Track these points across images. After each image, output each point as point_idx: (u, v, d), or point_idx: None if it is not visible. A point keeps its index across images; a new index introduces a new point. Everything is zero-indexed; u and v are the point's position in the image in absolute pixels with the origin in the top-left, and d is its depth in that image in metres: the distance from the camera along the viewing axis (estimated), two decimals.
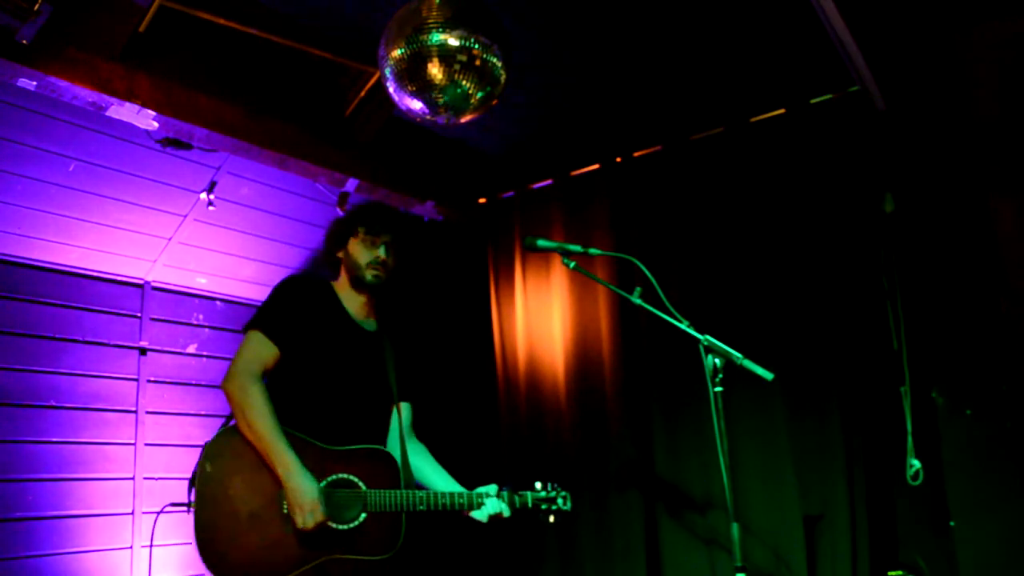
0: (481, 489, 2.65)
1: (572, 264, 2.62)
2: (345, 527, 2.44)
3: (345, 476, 2.49)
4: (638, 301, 2.46)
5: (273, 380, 2.58)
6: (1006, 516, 2.91)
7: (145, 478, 4.05)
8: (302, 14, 3.29)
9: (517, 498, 2.71)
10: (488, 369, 4.37)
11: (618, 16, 3.31)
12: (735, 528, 2.15)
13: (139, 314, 4.14)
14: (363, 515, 2.46)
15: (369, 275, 2.73)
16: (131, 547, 3.95)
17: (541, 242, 2.64)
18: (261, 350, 2.52)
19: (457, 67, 2.61)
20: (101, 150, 3.55)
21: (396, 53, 2.63)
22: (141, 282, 4.16)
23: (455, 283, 4.75)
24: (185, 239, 4.11)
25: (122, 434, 4.00)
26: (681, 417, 3.70)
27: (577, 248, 2.61)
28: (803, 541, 3.29)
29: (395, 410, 2.81)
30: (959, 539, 2.97)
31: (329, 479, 2.46)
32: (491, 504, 2.61)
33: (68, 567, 3.71)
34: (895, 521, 3.23)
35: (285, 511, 2.38)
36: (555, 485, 2.78)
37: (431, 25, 2.58)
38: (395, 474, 2.57)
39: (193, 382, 4.34)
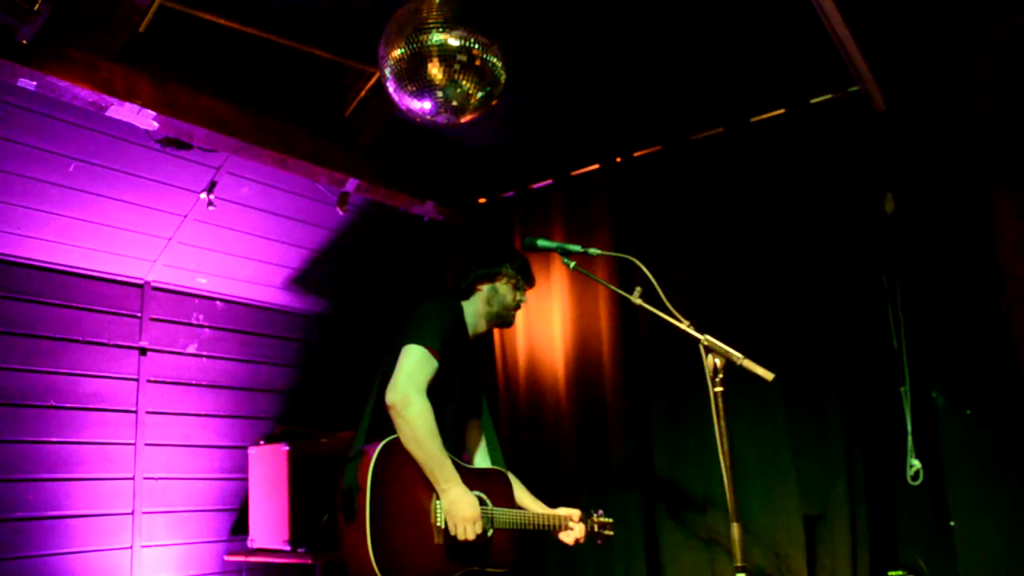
0: (563, 512, 2.87)
1: (572, 264, 2.62)
2: (483, 541, 2.54)
3: (478, 494, 2.58)
4: (638, 301, 2.46)
5: None
6: (1006, 516, 2.91)
7: (145, 478, 4.05)
8: (302, 14, 3.29)
9: (589, 524, 2.92)
10: (488, 369, 4.37)
11: (618, 16, 3.31)
12: (735, 528, 2.15)
13: (139, 314, 4.14)
14: (491, 531, 2.58)
15: (512, 318, 2.90)
16: (131, 547, 3.95)
17: (541, 242, 2.63)
18: (428, 366, 2.52)
19: (457, 67, 2.61)
20: (101, 150, 3.55)
21: (396, 53, 2.63)
22: (141, 282, 4.16)
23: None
24: (185, 239, 4.11)
25: (122, 434, 4.00)
26: (681, 417, 3.70)
27: (577, 248, 2.61)
28: (803, 541, 3.29)
29: (472, 424, 2.92)
30: (959, 539, 2.97)
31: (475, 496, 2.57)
32: (577, 529, 2.86)
33: (68, 567, 3.71)
34: (895, 521, 3.23)
35: (438, 523, 2.45)
36: (604, 513, 3.00)
37: (431, 25, 2.58)
38: (511, 494, 2.76)
39: (193, 382, 4.34)
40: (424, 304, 2.69)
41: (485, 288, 2.83)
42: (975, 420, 2.99)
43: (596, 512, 2.95)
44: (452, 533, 2.43)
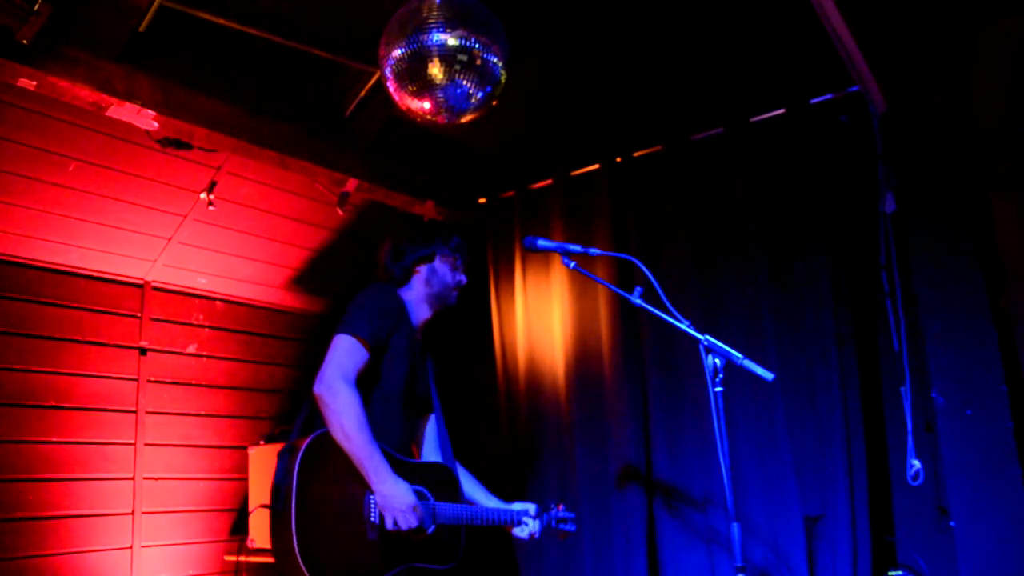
0: (518, 507, 2.80)
1: (572, 264, 2.62)
2: (420, 538, 2.49)
3: (418, 488, 2.53)
4: (638, 301, 2.46)
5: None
6: (1006, 516, 2.91)
7: (145, 478, 4.05)
8: (302, 14, 3.28)
9: (544, 517, 2.84)
10: (488, 369, 4.37)
11: (618, 16, 3.31)
12: (735, 528, 2.15)
13: (139, 314, 4.14)
14: (433, 526, 2.53)
15: (453, 296, 2.83)
16: (131, 547, 3.95)
17: (541, 242, 2.63)
18: (355, 355, 2.47)
19: (457, 67, 2.61)
20: (101, 150, 3.55)
21: (396, 53, 2.63)
22: (141, 282, 4.16)
23: None
24: (185, 239, 4.11)
25: (122, 434, 4.00)
26: (681, 417, 3.70)
27: (577, 248, 2.61)
28: (803, 541, 3.29)
29: (424, 420, 2.87)
30: (959, 539, 2.97)
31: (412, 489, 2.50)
32: (532, 525, 2.78)
33: (68, 567, 3.71)
34: (895, 521, 3.23)
35: (371, 518, 2.40)
36: (567, 507, 2.91)
37: (431, 25, 2.58)
38: (456, 489, 2.70)
39: (193, 382, 4.33)
40: (358, 294, 2.63)
41: (423, 269, 2.78)
42: (975, 420, 2.99)
43: (556, 506, 2.87)
44: (387, 528, 2.37)
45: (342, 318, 2.54)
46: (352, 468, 2.39)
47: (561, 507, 2.88)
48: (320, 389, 2.40)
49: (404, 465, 2.53)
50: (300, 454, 2.33)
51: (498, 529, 2.81)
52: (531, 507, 2.79)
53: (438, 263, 2.79)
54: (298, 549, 2.24)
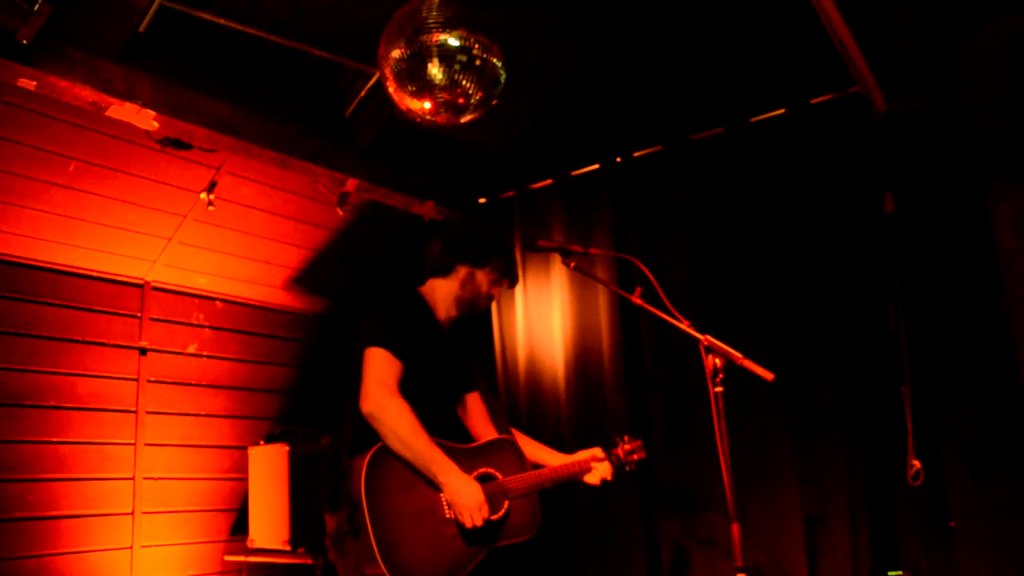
0: (583, 455, 2.84)
1: (572, 264, 2.62)
2: (497, 518, 2.52)
3: (484, 470, 2.57)
4: (638, 301, 2.46)
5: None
6: (1006, 516, 2.91)
7: (145, 478, 4.05)
8: (302, 14, 3.28)
9: (613, 458, 2.87)
10: (488, 369, 4.37)
11: (618, 16, 3.31)
12: (735, 528, 2.15)
13: (139, 314, 4.14)
14: (507, 503, 2.56)
15: (484, 305, 2.84)
16: (131, 547, 3.95)
17: (541, 242, 2.63)
18: (391, 365, 2.49)
19: (457, 67, 2.61)
20: (101, 150, 3.55)
21: (396, 53, 2.63)
22: (141, 282, 4.16)
23: None
24: (185, 239, 4.11)
25: (122, 434, 4.00)
26: (681, 417, 3.69)
27: (577, 248, 2.61)
28: (803, 541, 3.29)
29: (468, 399, 2.87)
30: (959, 539, 2.97)
31: (474, 476, 2.53)
32: (601, 469, 2.83)
33: (68, 567, 3.71)
34: (895, 521, 3.23)
35: (448, 516, 2.44)
36: (630, 436, 2.94)
37: (431, 25, 2.58)
38: (521, 458, 2.72)
39: (193, 382, 4.33)
40: (373, 305, 2.65)
41: (464, 272, 2.78)
42: (975, 420, 2.99)
43: (620, 439, 2.88)
44: (461, 522, 2.42)
45: (365, 329, 2.56)
46: (417, 474, 2.43)
47: (626, 438, 2.91)
48: (368, 407, 2.43)
49: (466, 452, 2.57)
50: (364, 472, 2.36)
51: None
52: (596, 451, 2.83)
53: (481, 272, 2.79)
54: (383, 565, 2.27)
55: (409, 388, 2.54)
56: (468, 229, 2.85)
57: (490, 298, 2.84)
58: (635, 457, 2.90)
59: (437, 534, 2.42)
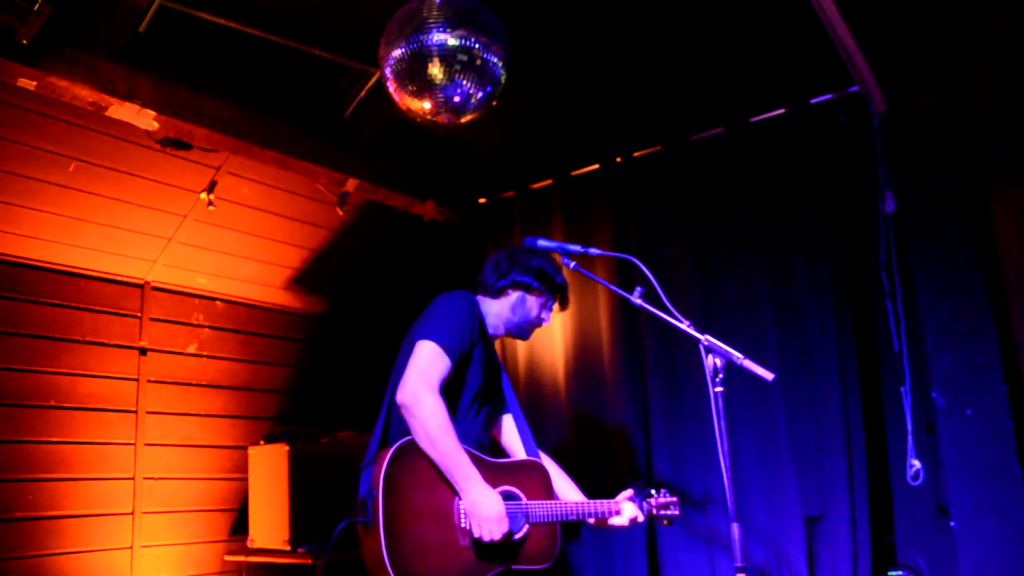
0: (617, 497, 2.76)
1: (572, 264, 2.62)
2: (515, 539, 2.46)
3: (509, 488, 2.51)
4: (638, 301, 2.46)
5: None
6: (1006, 516, 2.91)
7: (145, 478, 4.05)
8: (302, 14, 3.28)
9: (645, 505, 2.81)
10: None
11: (618, 16, 3.31)
12: (735, 528, 2.15)
13: (139, 314, 4.14)
14: (526, 526, 2.49)
15: (528, 333, 2.82)
16: (131, 547, 3.95)
17: (541, 242, 2.63)
18: (439, 363, 2.42)
19: (457, 67, 2.61)
20: (101, 150, 3.55)
21: (396, 53, 2.63)
22: (141, 282, 4.16)
23: (455, 283, 4.75)
24: (185, 239, 4.11)
25: (122, 434, 4.00)
26: (681, 417, 3.70)
27: (577, 248, 2.61)
28: (803, 541, 3.29)
29: (504, 420, 2.85)
30: (959, 539, 2.97)
31: (498, 492, 2.45)
32: (628, 509, 2.74)
33: (68, 567, 3.71)
34: (895, 521, 3.23)
35: (463, 524, 2.36)
36: (667, 491, 2.87)
37: (431, 25, 2.58)
38: (548, 485, 2.63)
39: (193, 382, 4.33)
40: (439, 298, 2.61)
41: (515, 295, 2.74)
42: (975, 420, 2.99)
43: (656, 492, 2.82)
44: (476, 535, 2.34)
45: (423, 323, 2.52)
46: (440, 475, 2.36)
47: (663, 492, 2.84)
48: (404, 397, 2.36)
49: (494, 466, 2.50)
50: (385, 464, 2.29)
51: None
52: (628, 493, 2.77)
53: (532, 296, 2.75)
54: (388, 562, 2.21)
55: (456, 395, 2.50)
56: (520, 255, 2.77)
57: (540, 322, 2.81)
58: (668, 512, 2.82)
59: (448, 541, 2.34)
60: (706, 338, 2.27)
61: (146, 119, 3.27)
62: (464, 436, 2.45)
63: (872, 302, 3.33)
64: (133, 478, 4.01)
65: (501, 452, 2.81)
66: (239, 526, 4.38)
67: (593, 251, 2.59)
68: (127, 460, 4.00)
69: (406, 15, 2.63)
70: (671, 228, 3.86)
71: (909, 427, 3.15)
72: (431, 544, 2.31)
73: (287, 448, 3.91)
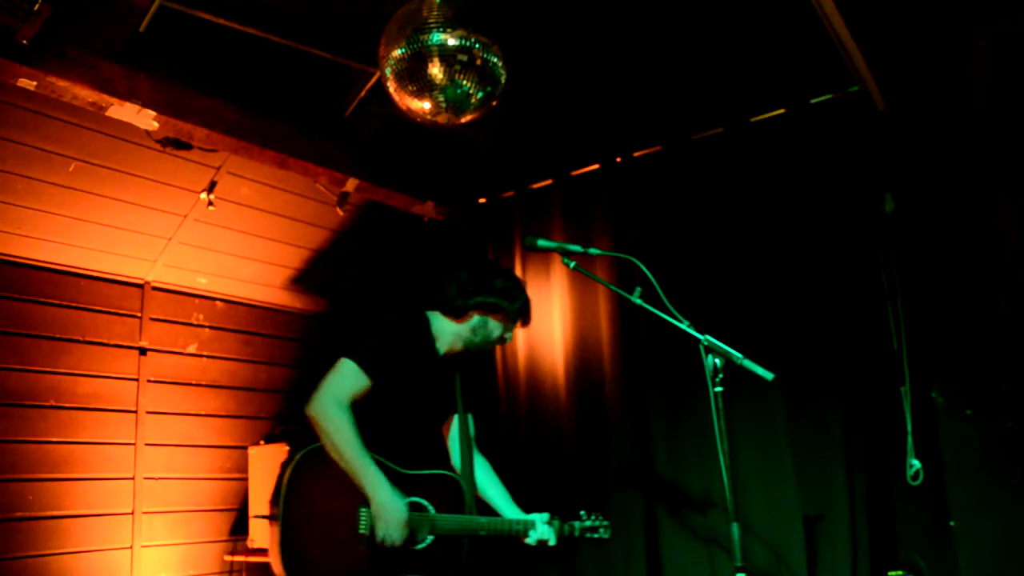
0: (534, 516, 2.76)
1: (572, 264, 2.61)
2: (415, 548, 2.51)
3: (416, 500, 2.55)
4: (638, 301, 2.46)
5: (356, 404, 2.56)
6: (1006, 516, 2.91)
7: (145, 478, 4.05)
8: (302, 14, 3.28)
9: (566, 527, 2.82)
10: (488, 369, 4.37)
11: (618, 16, 3.31)
12: (735, 528, 2.14)
13: (139, 314, 4.14)
14: (430, 537, 2.54)
15: (493, 347, 2.88)
16: (131, 547, 3.95)
17: (541, 242, 2.63)
18: (355, 381, 2.51)
19: (457, 67, 2.62)
20: (101, 150, 3.55)
21: (396, 53, 2.64)
22: (141, 282, 4.16)
23: None
24: (185, 239, 4.11)
25: (122, 434, 4.01)
26: (681, 417, 3.69)
27: (577, 248, 2.61)
28: (803, 541, 3.29)
29: (456, 421, 2.86)
30: (959, 539, 2.97)
31: (405, 502, 2.50)
32: (541, 530, 2.74)
33: (68, 567, 3.71)
34: (895, 521, 3.23)
35: (362, 529, 2.42)
36: (599, 516, 2.89)
37: (431, 25, 2.58)
38: (460, 499, 2.68)
39: (193, 382, 4.34)
40: (382, 317, 2.65)
41: (476, 317, 2.73)
42: (975, 420, 2.99)
43: (585, 515, 2.85)
44: (376, 539, 2.40)
45: (352, 340, 2.56)
46: (349, 482, 2.42)
47: (593, 516, 2.86)
48: (311, 411, 2.46)
49: (404, 477, 2.55)
50: (292, 465, 2.40)
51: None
52: (544, 516, 2.76)
53: (493, 319, 2.75)
54: (281, 557, 2.30)
55: (382, 409, 2.54)
56: (482, 277, 2.76)
57: (503, 341, 2.82)
58: (594, 536, 2.84)
59: (346, 545, 2.40)
60: (706, 338, 2.27)
61: (146, 119, 3.27)
62: (385, 446, 2.50)
63: (872, 302, 3.32)
64: (133, 478, 4.01)
65: (446, 455, 2.85)
66: (239, 526, 4.39)
67: (593, 251, 2.59)
68: (127, 460, 4.01)
69: (406, 15, 2.64)
70: (671, 228, 3.85)
71: (909, 427, 3.15)
72: (329, 544, 2.38)
73: (287, 448, 3.91)
